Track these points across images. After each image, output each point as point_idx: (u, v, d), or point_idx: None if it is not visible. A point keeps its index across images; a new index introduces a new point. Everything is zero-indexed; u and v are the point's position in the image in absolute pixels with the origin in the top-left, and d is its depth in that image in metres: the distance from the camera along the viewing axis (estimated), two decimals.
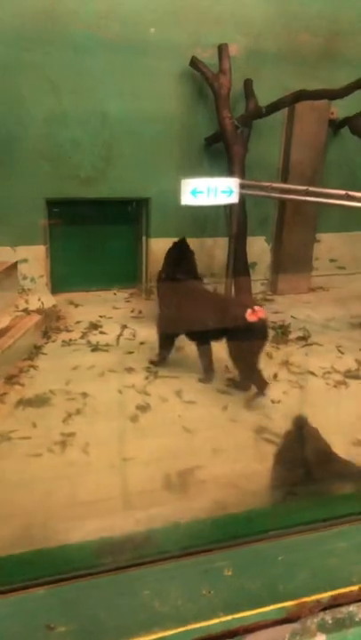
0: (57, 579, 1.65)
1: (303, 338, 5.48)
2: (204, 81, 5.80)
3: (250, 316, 4.15)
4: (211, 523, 2.20)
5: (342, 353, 5.22)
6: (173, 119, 6.00)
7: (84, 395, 4.36)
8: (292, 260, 6.61)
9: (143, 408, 4.27)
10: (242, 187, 5.17)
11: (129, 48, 5.59)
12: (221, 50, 5.65)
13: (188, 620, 1.55)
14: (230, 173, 5.58)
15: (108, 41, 5.52)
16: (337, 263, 7.20)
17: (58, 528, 2.34)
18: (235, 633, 1.55)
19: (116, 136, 5.87)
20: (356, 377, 4.81)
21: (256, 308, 4.18)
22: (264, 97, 5.67)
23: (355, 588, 1.69)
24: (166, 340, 4.88)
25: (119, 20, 5.52)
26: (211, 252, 6.62)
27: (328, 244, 6.98)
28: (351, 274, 7.17)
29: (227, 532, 2.30)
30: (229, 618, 1.58)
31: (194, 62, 5.71)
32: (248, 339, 4.27)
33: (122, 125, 5.82)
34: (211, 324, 4.40)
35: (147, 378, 4.72)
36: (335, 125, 6.33)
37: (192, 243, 6.55)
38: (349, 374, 4.82)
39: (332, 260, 7.17)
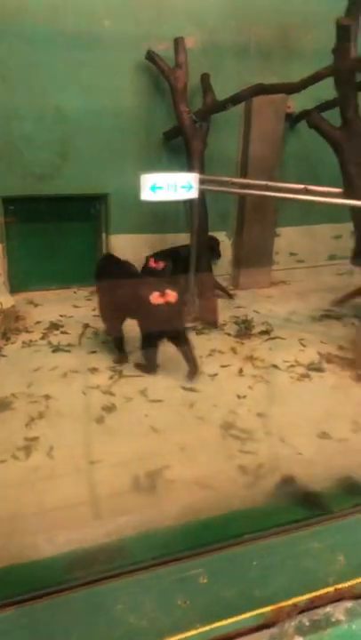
0: (26, 597, 1.59)
1: (266, 332, 5.50)
2: (160, 75, 5.73)
3: (154, 299, 4.25)
4: (183, 529, 2.17)
5: (305, 346, 5.26)
6: (131, 113, 5.92)
7: (47, 397, 4.27)
8: (252, 255, 6.62)
9: (109, 409, 4.21)
10: (202, 182, 5.14)
11: (83, 41, 5.47)
12: (177, 43, 5.59)
13: (165, 633, 1.51)
14: (190, 168, 5.54)
15: (62, 33, 5.39)
16: (297, 257, 7.26)
17: (25, 541, 2.27)
18: None
19: (72, 131, 5.75)
20: (318, 369, 4.85)
21: (167, 292, 4.24)
22: (221, 91, 5.64)
23: (331, 589, 1.67)
24: (113, 326, 4.87)
25: (73, 12, 5.39)
26: None
27: (288, 238, 7.03)
28: (311, 267, 7.24)
29: (200, 538, 2.26)
30: (207, 628, 1.54)
31: (150, 56, 5.64)
32: (154, 321, 4.36)
33: (77, 120, 5.70)
34: (129, 305, 4.47)
35: (111, 377, 4.65)
36: (292, 119, 6.36)
37: (153, 239, 6.52)
38: (312, 367, 4.86)
39: (292, 254, 7.22)
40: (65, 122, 5.69)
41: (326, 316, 6.01)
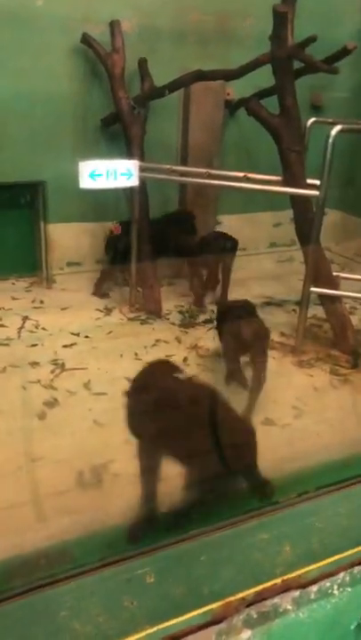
0: None
1: (210, 321, 5.50)
2: (97, 59, 5.58)
3: None
4: (128, 528, 2.13)
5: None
6: (67, 99, 5.73)
7: None
8: None
9: (50, 404, 4.12)
10: (142, 170, 5.06)
11: (15, 21, 5.24)
12: (113, 26, 5.45)
13: (112, 637, 1.46)
14: (129, 155, 5.44)
15: None
16: (238, 245, 7.27)
17: None
18: None
19: (4, 116, 5.51)
20: None
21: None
22: (159, 76, 5.54)
23: (278, 580, 1.67)
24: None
25: None
26: None
27: (229, 226, 7.00)
28: (252, 254, 7.27)
29: (146, 536, 2.22)
30: (155, 629, 1.50)
31: (85, 39, 5.48)
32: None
33: (9, 105, 5.46)
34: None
35: (53, 372, 4.55)
36: (231, 107, 6.34)
37: (93, 227, 6.39)
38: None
39: None
40: None
41: (268, 303, 6.06)
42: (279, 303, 6.05)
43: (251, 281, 6.51)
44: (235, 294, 6.22)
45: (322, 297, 5.09)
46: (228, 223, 6.93)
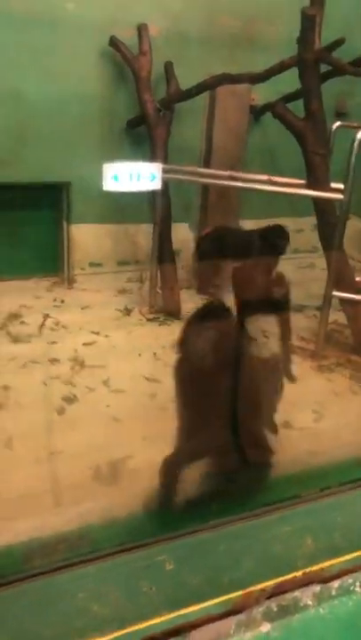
0: None
1: None
2: (124, 62, 5.63)
3: None
4: (148, 515, 2.12)
5: (267, 337, 5.25)
6: (94, 100, 5.78)
7: (6, 388, 4.17)
8: None
9: (70, 399, 4.15)
10: (165, 171, 5.08)
11: (45, 24, 5.31)
12: (141, 30, 5.49)
13: (130, 620, 1.45)
14: (153, 157, 5.46)
15: (23, 16, 5.22)
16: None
17: None
18: (179, 631, 1.47)
19: (33, 117, 5.57)
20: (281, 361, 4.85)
21: None
22: (185, 80, 5.57)
23: (299, 573, 1.65)
24: None
25: None
26: (135, 238, 6.49)
27: None
28: None
29: (165, 524, 2.21)
30: (173, 615, 1.49)
31: (113, 42, 5.52)
32: None
33: (38, 105, 5.53)
34: None
35: (72, 368, 4.57)
36: (256, 112, 6.34)
37: (115, 229, 6.43)
38: (276, 359, 4.85)
39: None
40: (25, 107, 5.52)
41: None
42: (299, 308, 6.01)
43: None
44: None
45: (343, 302, 5.06)
46: (250, 227, 6.92)
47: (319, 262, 6.25)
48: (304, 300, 6.15)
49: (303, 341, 5.27)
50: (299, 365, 4.87)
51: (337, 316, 5.34)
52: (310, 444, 3.59)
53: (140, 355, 4.80)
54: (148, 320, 5.67)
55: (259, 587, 1.58)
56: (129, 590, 1.51)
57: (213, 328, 2.46)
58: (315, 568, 1.65)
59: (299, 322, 5.71)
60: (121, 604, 1.47)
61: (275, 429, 3.34)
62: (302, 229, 7.23)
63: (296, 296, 6.28)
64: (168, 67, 5.71)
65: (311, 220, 6.16)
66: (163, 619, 1.45)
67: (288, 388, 4.39)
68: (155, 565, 1.59)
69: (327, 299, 4.90)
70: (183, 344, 2.60)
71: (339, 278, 4.79)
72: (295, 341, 5.15)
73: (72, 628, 1.38)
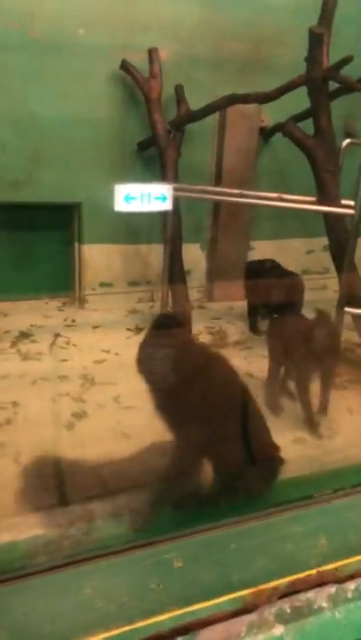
0: None
1: (241, 342, 5.45)
2: (135, 85, 5.74)
3: None
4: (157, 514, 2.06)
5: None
6: (105, 123, 5.89)
7: (15, 404, 4.14)
8: (226, 267, 6.59)
9: (79, 415, 4.09)
10: (176, 190, 5.12)
11: (58, 48, 5.45)
12: (152, 54, 5.62)
13: (136, 617, 1.40)
14: (164, 178, 5.52)
15: (36, 40, 5.36)
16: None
17: None
18: (187, 629, 1.41)
19: (46, 139, 5.68)
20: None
21: None
22: (195, 103, 5.66)
23: (313, 572, 1.59)
24: None
25: (48, 19, 5.37)
26: (146, 259, 6.52)
27: (262, 252, 7.01)
28: None
29: (174, 523, 2.15)
30: (181, 612, 1.43)
31: (124, 65, 5.65)
32: None
33: (51, 128, 5.64)
34: None
35: (82, 385, 4.54)
36: (266, 133, 6.41)
37: (126, 249, 6.47)
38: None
39: None
40: (39, 129, 5.63)
41: None
42: None
43: None
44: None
45: (356, 320, 5.01)
46: (261, 249, 6.93)
47: (331, 283, 6.23)
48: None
49: None
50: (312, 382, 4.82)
51: (350, 335, 5.28)
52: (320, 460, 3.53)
53: None
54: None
55: (272, 584, 1.52)
56: (135, 587, 1.46)
57: (167, 345, 2.38)
58: (329, 567, 1.59)
59: None
60: (127, 601, 1.41)
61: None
62: (313, 250, 7.23)
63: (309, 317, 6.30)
64: (178, 89, 5.81)
65: (322, 241, 6.15)
66: (170, 615, 1.40)
67: (299, 404, 4.34)
68: (162, 563, 1.54)
69: (339, 317, 4.86)
70: (141, 366, 2.52)
71: (351, 295, 4.74)
72: None
73: (76, 622, 1.33)
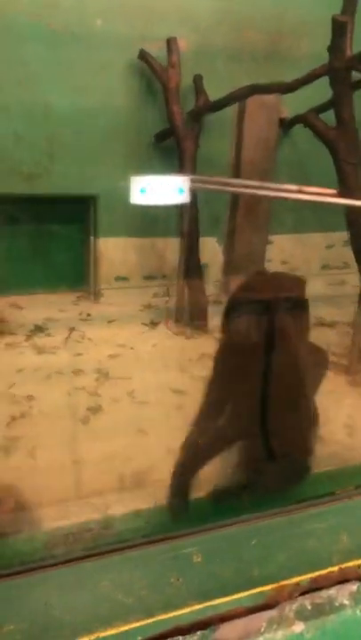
0: (6, 572, 1.45)
1: None
2: (152, 75, 5.70)
3: None
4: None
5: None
6: (122, 114, 5.86)
7: (30, 398, 4.13)
8: (244, 262, 6.54)
9: (94, 410, 4.08)
10: (194, 182, 5.06)
11: (75, 39, 5.42)
12: (170, 43, 5.56)
13: (155, 610, 1.36)
14: (181, 169, 5.47)
15: (53, 31, 5.34)
16: (289, 265, 7.18)
17: None
18: (207, 623, 1.37)
19: (62, 130, 5.66)
20: None
21: None
22: (214, 94, 5.61)
23: (335, 568, 1.55)
24: None
25: (65, 9, 5.34)
26: (162, 252, 6.48)
27: (280, 246, 6.96)
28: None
29: (193, 517, 2.12)
30: (201, 606, 1.40)
31: (142, 55, 5.60)
32: None
33: (67, 119, 5.62)
34: None
35: (97, 379, 4.52)
36: (285, 125, 6.34)
37: (142, 242, 6.43)
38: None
39: (284, 262, 7.15)
40: (54, 120, 5.62)
41: (319, 324, 5.92)
42: (331, 323, 5.92)
43: None
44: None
45: None
46: (280, 243, 6.87)
47: (351, 278, 6.14)
48: (336, 316, 6.05)
49: (336, 356, 5.15)
50: (332, 380, 4.77)
51: None
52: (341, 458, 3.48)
53: (166, 367, 4.73)
54: (175, 334, 5.61)
55: (293, 580, 1.48)
56: (155, 581, 1.43)
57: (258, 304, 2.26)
58: (352, 564, 1.55)
59: (332, 337, 5.63)
60: (146, 594, 1.39)
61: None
62: (333, 245, 7.15)
63: (328, 312, 6.24)
64: (197, 79, 5.75)
65: (342, 236, 6.08)
66: (190, 609, 1.37)
67: (321, 403, 4.28)
68: (182, 557, 1.51)
69: (359, 313, 4.80)
70: (227, 321, 2.41)
71: None
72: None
73: (95, 614, 1.31)
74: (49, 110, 5.56)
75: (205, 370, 4.62)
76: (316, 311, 6.23)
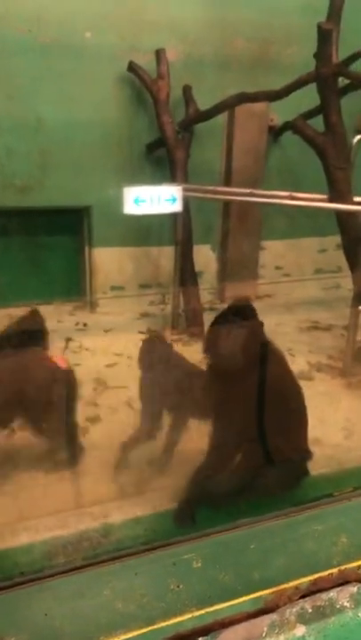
0: (6, 585, 1.45)
1: None
2: (142, 87, 5.73)
3: None
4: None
5: (293, 356, 5.15)
6: (113, 125, 5.89)
7: None
8: (237, 268, 6.57)
9: (93, 420, 4.08)
10: (186, 191, 5.10)
11: (64, 52, 5.46)
12: (159, 55, 5.61)
13: (156, 618, 1.37)
14: (173, 179, 5.51)
15: (43, 45, 5.38)
16: (283, 270, 7.22)
17: None
18: (208, 629, 1.38)
19: (53, 143, 5.69)
20: (308, 378, 4.79)
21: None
22: (203, 104, 5.65)
23: (335, 570, 1.56)
24: None
25: (54, 23, 5.38)
26: (156, 261, 6.50)
27: (273, 252, 6.99)
28: (297, 281, 7.19)
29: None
30: (202, 612, 1.40)
31: (132, 67, 5.65)
32: None
33: (59, 132, 5.65)
34: None
35: (95, 389, 4.53)
36: (275, 132, 6.38)
37: (137, 252, 6.45)
38: (302, 376, 4.75)
39: (277, 268, 7.18)
40: (46, 133, 5.64)
41: (314, 327, 5.95)
42: (326, 327, 5.94)
43: (296, 306, 6.42)
44: (279, 318, 6.14)
45: None
46: (273, 248, 6.90)
47: (344, 282, 6.18)
48: (331, 319, 6.08)
49: (331, 359, 5.17)
50: (328, 383, 4.79)
51: None
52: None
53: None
54: (172, 341, 5.62)
55: (293, 584, 1.49)
56: (155, 588, 1.44)
57: (238, 327, 2.41)
58: (352, 565, 1.56)
59: (326, 340, 5.64)
60: (146, 602, 1.39)
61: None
62: (326, 249, 7.19)
63: (323, 316, 6.27)
64: (186, 89, 5.80)
65: (334, 240, 6.12)
66: (190, 616, 1.38)
67: (317, 406, 4.29)
68: (182, 563, 1.51)
69: (353, 314, 4.81)
70: (209, 345, 2.56)
71: None
72: (323, 359, 5.09)
73: (95, 624, 1.31)
74: (40, 123, 5.59)
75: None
76: (312, 315, 6.29)
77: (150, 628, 1.32)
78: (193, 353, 5.23)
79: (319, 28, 4.16)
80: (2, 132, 5.53)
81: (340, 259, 5.53)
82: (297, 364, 4.94)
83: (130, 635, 1.30)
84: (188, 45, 5.87)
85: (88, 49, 5.54)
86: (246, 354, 2.43)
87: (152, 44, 5.65)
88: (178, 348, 5.47)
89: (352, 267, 4.99)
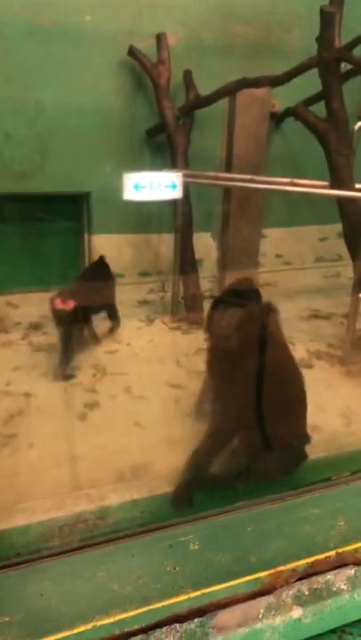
0: (3, 564, 1.45)
1: None
2: (143, 72, 5.67)
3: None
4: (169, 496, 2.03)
5: (293, 344, 5.13)
6: (113, 110, 5.82)
7: (27, 395, 4.13)
8: (238, 256, 6.53)
9: (91, 406, 4.08)
10: (186, 177, 5.06)
11: (64, 36, 5.38)
12: (160, 39, 5.54)
13: (152, 598, 1.37)
14: (173, 164, 5.47)
15: (41, 28, 5.30)
16: (283, 259, 7.19)
17: None
18: (205, 610, 1.38)
19: (52, 128, 5.62)
20: (308, 366, 4.78)
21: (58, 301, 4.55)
22: (204, 89, 5.59)
23: (332, 553, 1.56)
24: None
25: (53, 6, 5.30)
26: (156, 248, 6.47)
27: (274, 240, 6.96)
28: (297, 269, 7.17)
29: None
30: (198, 594, 1.40)
31: (132, 52, 5.58)
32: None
33: (58, 117, 5.58)
34: None
35: (94, 375, 4.53)
36: (276, 119, 6.33)
37: (136, 239, 6.42)
38: (302, 363, 4.73)
39: (278, 256, 7.15)
40: (45, 118, 5.57)
41: (314, 315, 5.93)
42: (326, 316, 5.92)
43: (296, 295, 6.40)
44: (280, 306, 6.10)
45: None
46: (274, 236, 6.87)
47: (345, 271, 6.16)
48: (331, 307, 6.06)
49: (331, 347, 5.16)
50: (327, 371, 4.78)
51: None
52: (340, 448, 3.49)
53: (162, 362, 4.73)
54: (171, 329, 5.61)
55: (290, 566, 1.49)
56: (151, 570, 1.44)
57: (239, 308, 2.38)
58: (349, 548, 1.56)
59: (326, 329, 5.63)
60: (142, 583, 1.39)
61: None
62: (327, 237, 7.15)
63: (323, 304, 6.25)
64: (187, 75, 5.74)
65: (336, 228, 6.08)
66: (187, 597, 1.37)
67: (317, 393, 4.28)
68: (179, 545, 1.51)
69: (353, 302, 4.79)
70: (209, 324, 2.54)
71: None
72: (323, 347, 5.08)
73: (91, 604, 1.31)
74: (39, 108, 5.53)
75: (202, 363, 4.65)
76: (312, 303, 6.27)
77: (147, 609, 1.32)
78: (192, 341, 5.26)
79: (322, 11, 4.10)
80: (0, 117, 5.47)
81: (340, 247, 5.50)
82: (297, 352, 4.91)
83: (125, 615, 1.30)
84: (189, 30, 5.80)
85: (88, 33, 5.46)
86: (244, 334, 2.40)
87: (152, 29, 5.57)
88: (178, 335, 5.48)
89: (353, 255, 4.97)
